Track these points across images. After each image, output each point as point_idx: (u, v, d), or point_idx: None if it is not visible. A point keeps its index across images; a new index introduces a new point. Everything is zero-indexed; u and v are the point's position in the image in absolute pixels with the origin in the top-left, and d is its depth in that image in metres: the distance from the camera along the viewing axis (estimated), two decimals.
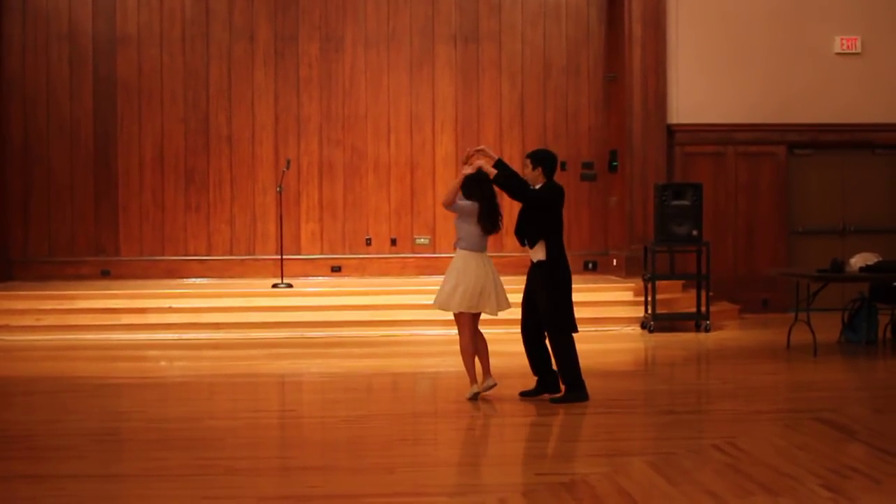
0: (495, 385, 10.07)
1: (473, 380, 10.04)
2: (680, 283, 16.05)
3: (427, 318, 14.90)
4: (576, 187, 17.97)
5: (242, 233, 17.80)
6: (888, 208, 17.44)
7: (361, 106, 17.91)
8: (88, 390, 11.07)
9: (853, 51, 17.13)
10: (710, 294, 15.28)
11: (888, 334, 13.74)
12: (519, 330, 10.14)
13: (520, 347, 10.14)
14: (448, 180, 17.72)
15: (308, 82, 17.88)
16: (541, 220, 9.86)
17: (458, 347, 10.25)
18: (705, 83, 17.02)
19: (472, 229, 9.89)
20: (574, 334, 9.95)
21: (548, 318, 9.87)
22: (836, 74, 17.13)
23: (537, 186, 9.98)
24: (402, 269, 17.76)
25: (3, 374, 12.34)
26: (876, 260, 13.14)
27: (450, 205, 9.93)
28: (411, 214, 17.87)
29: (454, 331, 14.10)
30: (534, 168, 10.01)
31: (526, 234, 9.93)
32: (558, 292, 9.85)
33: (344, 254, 17.82)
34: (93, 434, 8.98)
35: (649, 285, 14.96)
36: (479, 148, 10.20)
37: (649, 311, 14.95)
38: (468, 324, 10.04)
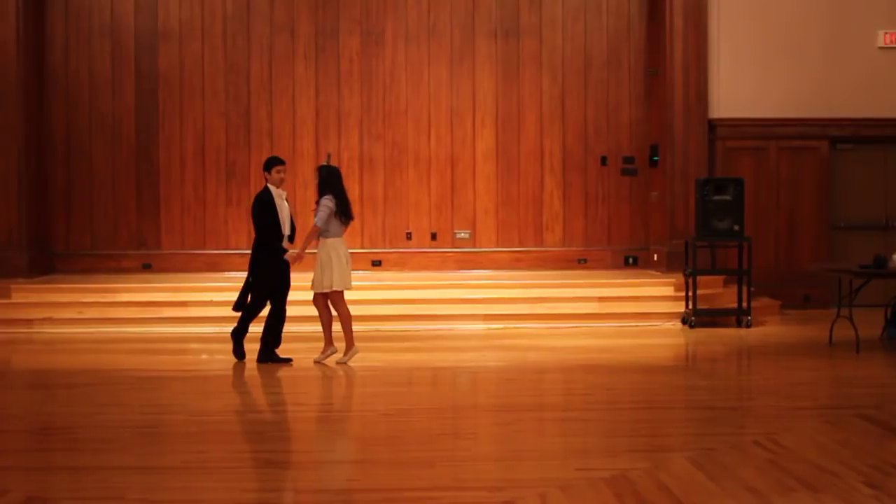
0: (335, 352, 11.98)
1: (352, 343, 11.90)
2: (721, 278, 15.98)
3: (467, 312, 14.93)
4: (616, 182, 17.94)
5: None
6: None
7: (402, 100, 17.92)
8: (130, 383, 11.14)
9: None
10: (752, 289, 15.21)
11: None
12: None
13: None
14: (488, 175, 17.73)
15: (349, 76, 17.90)
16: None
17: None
18: (747, 77, 16.93)
19: (335, 222, 11.84)
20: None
21: None
22: (879, 69, 17.01)
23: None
24: (443, 264, 17.74)
25: (45, 366, 12.44)
26: None
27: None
28: (451, 209, 17.85)
29: (495, 325, 14.33)
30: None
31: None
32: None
33: (384, 248, 17.83)
34: (134, 426, 9.03)
35: (690, 280, 14.89)
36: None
37: (690, 307, 14.88)
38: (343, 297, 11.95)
